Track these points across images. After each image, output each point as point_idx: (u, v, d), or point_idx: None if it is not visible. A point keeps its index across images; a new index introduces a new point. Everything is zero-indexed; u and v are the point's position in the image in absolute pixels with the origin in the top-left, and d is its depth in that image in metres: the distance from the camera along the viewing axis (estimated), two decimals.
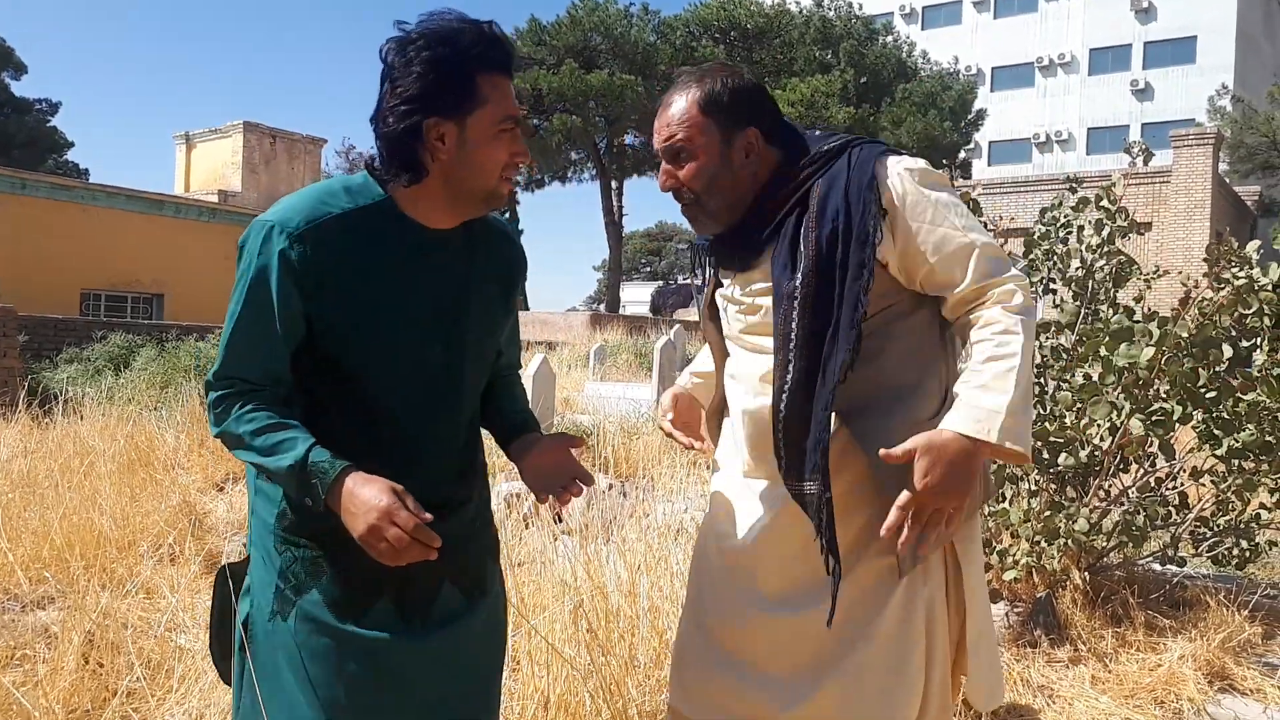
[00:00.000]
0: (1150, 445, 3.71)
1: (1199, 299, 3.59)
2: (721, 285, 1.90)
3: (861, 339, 1.62)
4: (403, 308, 1.55)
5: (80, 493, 4.69)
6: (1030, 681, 3.24)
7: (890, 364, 1.70)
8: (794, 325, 1.64)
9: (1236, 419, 3.50)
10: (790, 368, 1.64)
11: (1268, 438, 3.47)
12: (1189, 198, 21.38)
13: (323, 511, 1.44)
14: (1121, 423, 3.48)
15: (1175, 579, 4.25)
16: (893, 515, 1.57)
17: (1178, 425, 3.50)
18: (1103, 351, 3.46)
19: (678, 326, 16.99)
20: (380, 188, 1.56)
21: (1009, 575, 3.56)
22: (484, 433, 1.79)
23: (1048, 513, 3.49)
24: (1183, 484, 3.92)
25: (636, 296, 50.13)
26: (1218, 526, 3.77)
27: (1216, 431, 3.54)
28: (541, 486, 1.70)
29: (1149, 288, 4.13)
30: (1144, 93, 42.24)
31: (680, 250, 67.80)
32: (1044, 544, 3.48)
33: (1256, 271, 3.53)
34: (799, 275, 1.63)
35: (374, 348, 1.53)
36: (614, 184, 33.89)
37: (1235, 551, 3.82)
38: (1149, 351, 3.33)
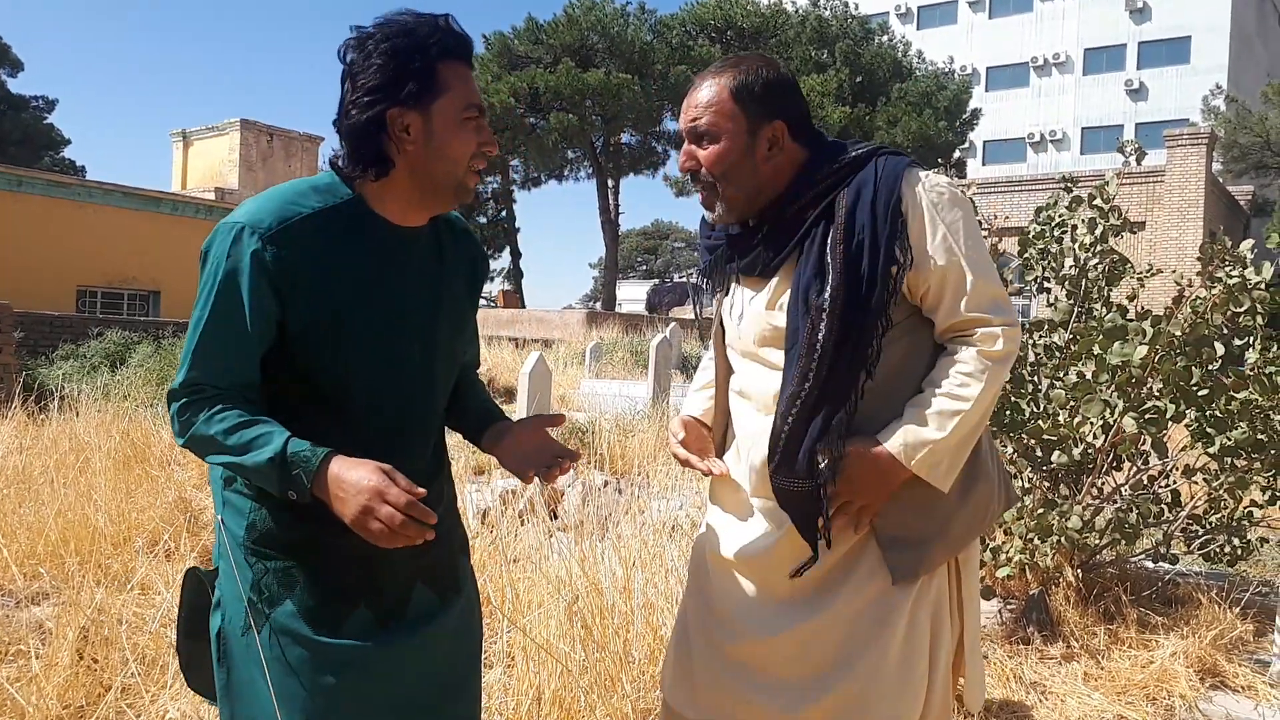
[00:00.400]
0: (1143, 443, 3.73)
1: (1192, 298, 3.61)
2: (729, 296, 1.89)
3: (880, 355, 1.66)
4: (378, 307, 1.53)
5: (75, 489, 4.69)
6: (1023, 678, 3.25)
7: (886, 379, 1.71)
8: (820, 336, 1.64)
9: (1229, 417, 3.52)
10: (811, 375, 1.65)
11: (1260, 436, 3.49)
12: (1183, 197, 21.44)
13: (308, 503, 1.39)
14: (1115, 421, 3.50)
15: (1167, 576, 4.27)
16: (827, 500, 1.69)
17: (1170, 423, 3.51)
18: (1096, 350, 3.47)
19: (673, 325, 16.97)
20: (347, 186, 1.54)
21: (1002, 572, 3.58)
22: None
23: (1041, 510, 3.51)
24: (1175, 482, 3.93)
25: (632, 295, 50.07)
26: (1210, 524, 3.79)
27: (1209, 429, 3.55)
28: (525, 467, 1.68)
29: (1142, 286, 4.15)
30: (1138, 92, 42.30)
31: (676, 248, 67.80)
32: (1037, 541, 3.49)
33: (1249, 270, 3.54)
34: (828, 289, 1.64)
35: (350, 348, 1.51)
36: (610, 182, 33.87)
37: (1227, 549, 3.83)
38: (1142, 350, 3.35)
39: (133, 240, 20.39)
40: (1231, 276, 3.54)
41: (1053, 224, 4.23)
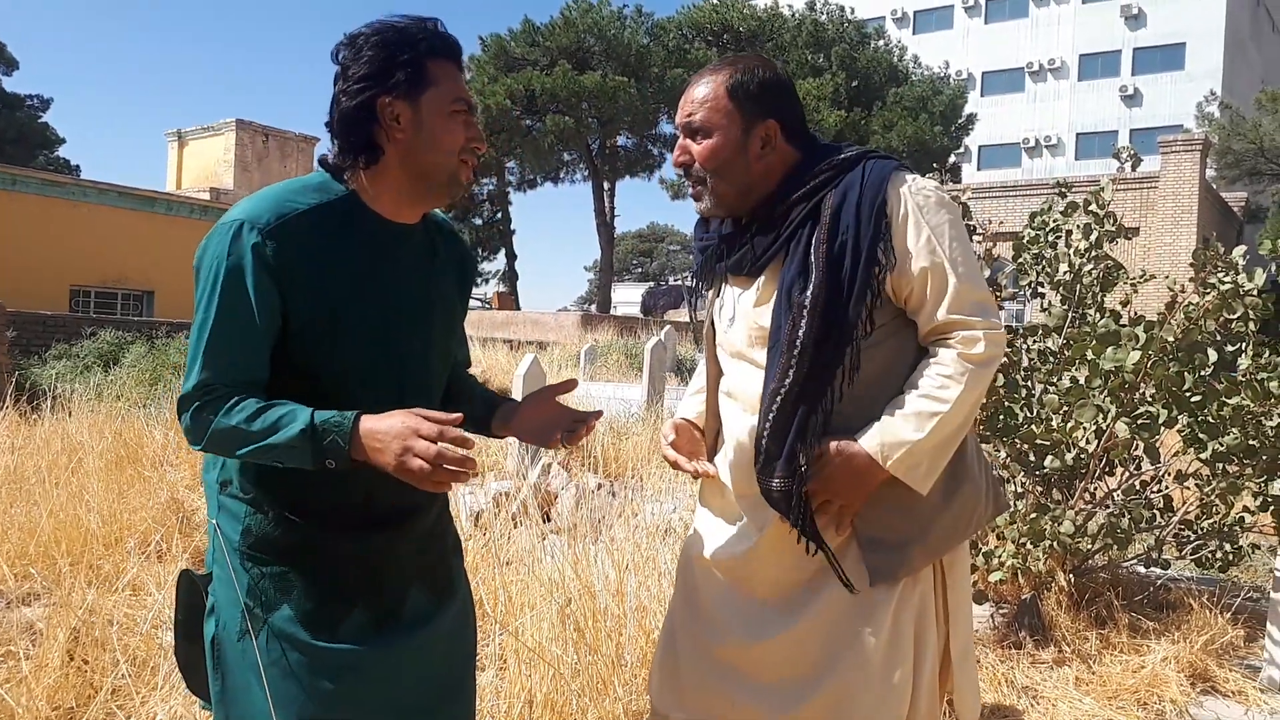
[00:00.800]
0: (1135, 448, 3.74)
1: (1185, 303, 3.62)
2: (720, 296, 1.90)
3: (860, 356, 1.67)
4: (375, 302, 1.54)
5: (67, 489, 4.67)
6: (1015, 683, 3.26)
7: (870, 382, 1.71)
8: (801, 334, 1.65)
9: (1221, 423, 3.53)
10: (791, 372, 1.66)
11: (1251, 442, 3.50)
12: (1176, 203, 21.50)
13: (347, 469, 1.39)
14: (1107, 426, 3.51)
15: (1159, 581, 4.28)
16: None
17: (1163, 429, 3.52)
18: (1089, 355, 3.48)
19: (668, 327, 17.00)
20: (340, 184, 1.55)
21: (995, 577, 3.58)
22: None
23: (1033, 515, 3.51)
24: (1167, 487, 3.94)
25: (627, 297, 50.12)
26: (1201, 529, 3.80)
27: (1201, 435, 3.56)
28: (548, 433, 1.68)
29: (1135, 292, 4.16)
30: (1133, 98, 42.46)
31: (672, 251, 67.83)
32: (1029, 546, 3.50)
33: (1242, 277, 3.55)
34: (810, 288, 1.65)
35: (348, 344, 1.51)
36: (606, 185, 33.88)
37: (1218, 554, 3.84)
38: (1135, 355, 3.36)
39: (127, 240, 20.34)
40: (1224, 283, 3.55)
41: (1047, 229, 4.24)
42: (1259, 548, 4.13)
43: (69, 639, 2.88)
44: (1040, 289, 4.27)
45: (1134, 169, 4.43)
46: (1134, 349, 3.38)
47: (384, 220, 1.56)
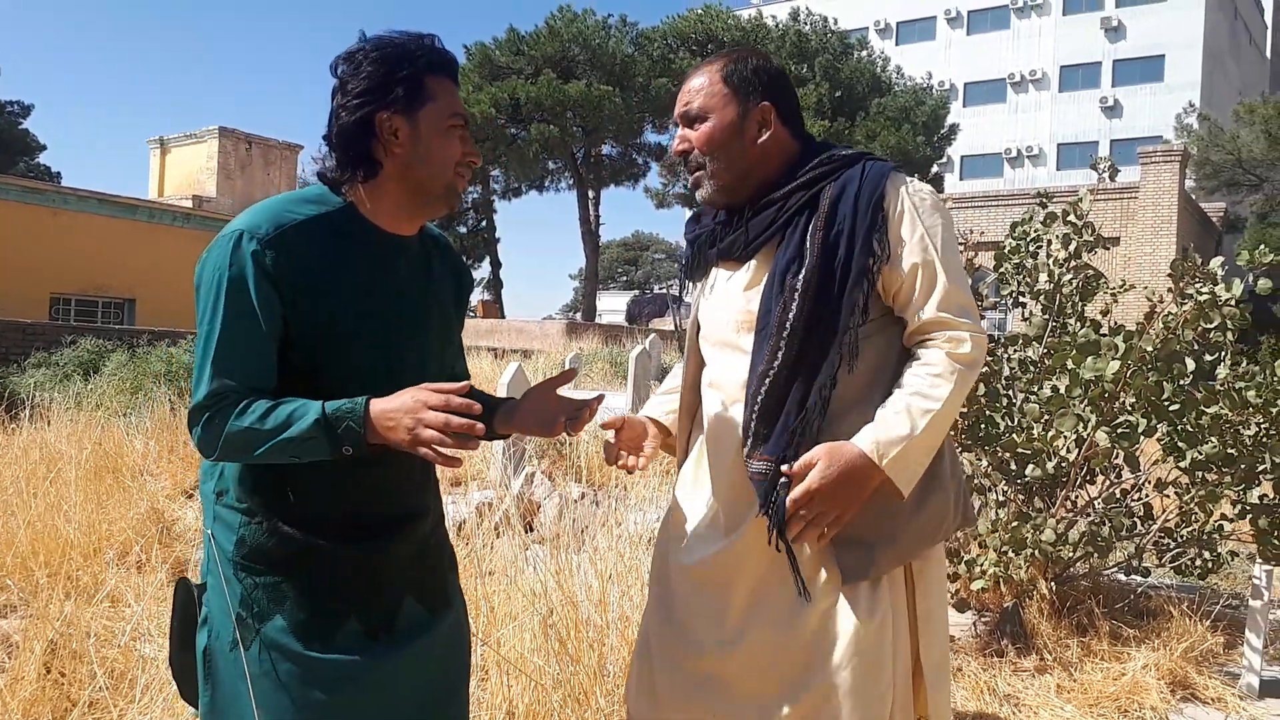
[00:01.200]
0: (1116, 457, 3.76)
1: (1163, 313, 3.65)
2: (708, 281, 1.90)
3: (858, 345, 1.68)
4: (373, 311, 1.55)
5: (46, 499, 4.62)
6: (997, 691, 3.27)
7: (857, 384, 1.72)
8: (791, 316, 1.66)
9: (1200, 432, 3.56)
10: (780, 354, 1.67)
11: (1230, 450, 3.53)
12: (1156, 213, 21.71)
13: (364, 454, 1.42)
14: (1088, 435, 3.53)
15: (1139, 589, 4.31)
16: (787, 504, 1.65)
17: (1142, 437, 3.55)
18: (1070, 364, 3.50)
19: (653, 336, 16.98)
20: (338, 196, 1.57)
21: (977, 585, 3.59)
22: None
23: (1015, 523, 3.53)
24: (1147, 495, 3.97)
25: (612, 306, 50.10)
26: (1181, 537, 3.82)
27: (1180, 444, 3.59)
28: (550, 424, 1.69)
29: (1115, 301, 4.20)
30: (1113, 110, 42.86)
31: (656, 260, 67.91)
32: (1011, 554, 3.51)
33: (1220, 287, 3.59)
34: (804, 272, 1.67)
35: (346, 352, 1.53)
36: (591, 193, 33.89)
37: (1198, 562, 3.87)
38: (1114, 365, 3.38)
39: (108, 248, 20.19)
40: (1202, 293, 3.59)
41: (1027, 239, 4.27)
42: (1237, 555, 4.16)
43: (46, 651, 2.85)
44: (1021, 298, 4.30)
45: (1112, 179, 4.47)
46: (1113, 358, 3.40)
47: (381, 232, 1.58)
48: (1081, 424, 3.51)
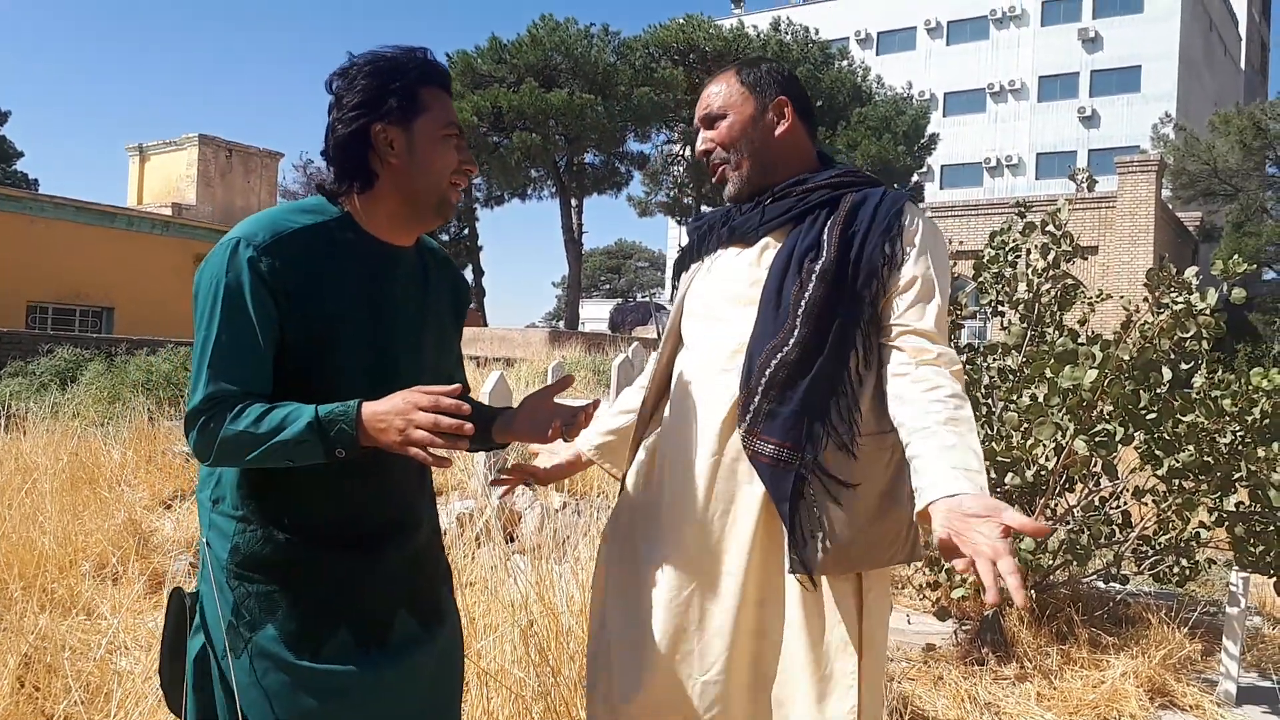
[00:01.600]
0: (1094, 465, 3.79)
1: (1140, 322, 3.68)
2: (708, 258, 1.91)
3: (880, 345, 1.70)
4: (369, 319, 1.56)
5: (21, 510, 4.56)
6: (977, 699, 3.28)
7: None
8: (808, 295, 1.68)
9: (1176, 440, 3.59)
10: (796, 333, 1.68)
11: (1206, 458, 3.56)
12: (1133, 222, 21.93)
13: (358, 456, 1.42)
14: (1066, 443, 3.55)
15: (1118, 596, 4.34)
16: (994, 571, 1.35)
17: (1120, 446, 3.58)
18: (1048, 373, 3.53)
19: (636, 344, 16.99)
20: (335, 207, 1.59)
21: (957, 593, 3.61)
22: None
23: None
24: (1125, 503, 4.00)
25: (595, 314, 50.09)
26: (1159, 545, 3.85)
27: (1158, 452, 3.62)
28: (542, 430, 1.68)
29: (1092, 310, 4.23)
30: (1091, 119, 43.31)
31: (640, 268, 67.98)
32: None
33: (1195, 297, 3.63)
34: (822, 261, 1.70)
35: (343, 360, 1.53)
36: (574, 202, 33.88)
37: (1176, 569, 3.90)
38: (1092, 374, 3.41)
39: (86, 256, 20.03)
40: (1178, 302, 3.62)
41: (1006, 249, 4.31)
42: (1215, 562, 4.20)
43: (19, 665, 2.81)
44: (1000, 307, 4.33)
45: (1090, 190, 4.51)
46: (1091, 367, 3.43)
47: (378, 241, 1.60)
48: (1060, 432, 3.54)
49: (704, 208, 29.80)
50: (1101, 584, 4.39)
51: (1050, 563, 3.72)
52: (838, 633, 1.70)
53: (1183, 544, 3.80)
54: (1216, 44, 47.62)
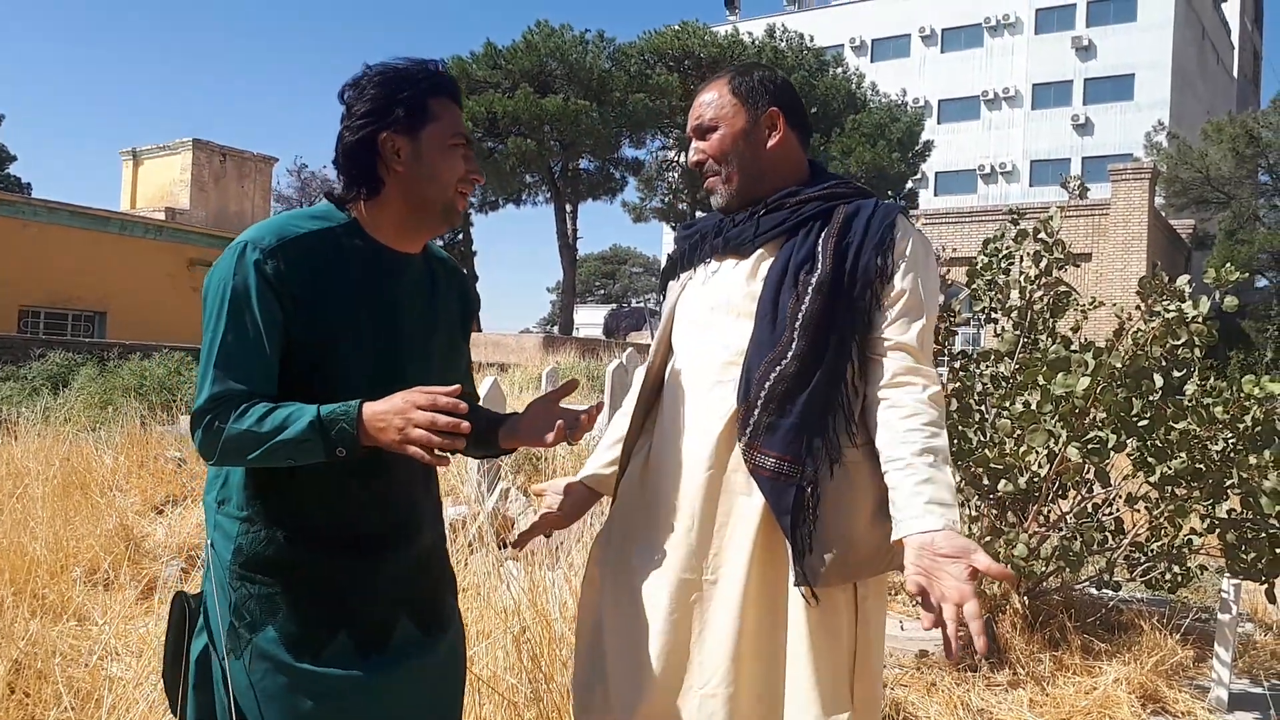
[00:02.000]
0: (1087, 472, 3.80)
1: (1132, 330, 3.70)
2: (702, 268, 1.89)
3: (866, 358, 1.70)
4: (375, 323, 1.58)
5: (12, 516, 4.55)
6: (970, 705, 3.28)
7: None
8: (804, 308, 1.69)
9: (1169, 447, 3.60)
10: (793, 346, 1.68)
11: (1198, 465, 3.57)
12: (1127, 230, 22.01)
13: (360, 456, 1.43)
14: (1059, 450, 3.56)
15: (1111, 603, 4.35)
16: (968, 625, 1.50)
17: (1113, 453, 3.59)
18: (1041, 380, 3.54)
19: (630, 350, 16.98)
20: (342, 213, 1.61)
21: None
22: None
23: (988, 538, 3.55)
24: (1118, 510, 4.01)
25: (590, 319, 50.15)
26: (1151, 551, 3.86)
27: (1150, 459, 3.63)
28: (545, 431, 1.68)
29: (1085, 318, 4.24)
30: (1084, 127, 43.49)
31: (634, 274, 68.02)
32: None
33: (1187, 304, 3.64)
34: (818, 274, 1.70)
35: (349, 364, 1.55)
36: (568, 207, 33.92)
37: (1168, 576, 3.91)
38: (1085, 381, 3.42)
39: (79, 260, 19.98)
40: (1170, 310, 3.64)
41: (999, 256, 4.32)
42: (1207, 569, 4.21)
43: (10, 671, 2.80)
44: (993, 314, 4.34)
45: (1082, 197, 4.53)
46: (1084, 375, 3.44)
47: (384, 248, 1.62)
48: (1053, 439, 3.55)
49: (698, 213, 29.81)
50: (1094, 590, 4.40)
51: (1043, 569, 3.73)
52: (836, 642, 1.70)
53: (1175, 551, 3.80)
54: (1209, 53, 47.87)
